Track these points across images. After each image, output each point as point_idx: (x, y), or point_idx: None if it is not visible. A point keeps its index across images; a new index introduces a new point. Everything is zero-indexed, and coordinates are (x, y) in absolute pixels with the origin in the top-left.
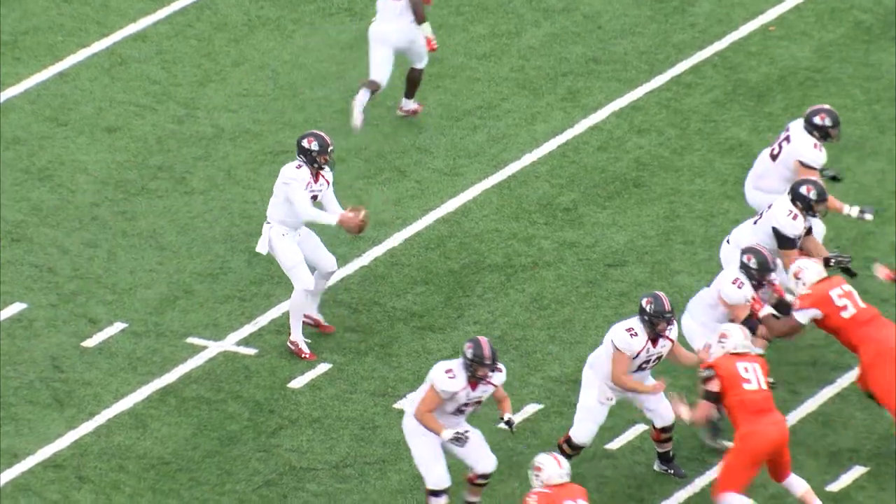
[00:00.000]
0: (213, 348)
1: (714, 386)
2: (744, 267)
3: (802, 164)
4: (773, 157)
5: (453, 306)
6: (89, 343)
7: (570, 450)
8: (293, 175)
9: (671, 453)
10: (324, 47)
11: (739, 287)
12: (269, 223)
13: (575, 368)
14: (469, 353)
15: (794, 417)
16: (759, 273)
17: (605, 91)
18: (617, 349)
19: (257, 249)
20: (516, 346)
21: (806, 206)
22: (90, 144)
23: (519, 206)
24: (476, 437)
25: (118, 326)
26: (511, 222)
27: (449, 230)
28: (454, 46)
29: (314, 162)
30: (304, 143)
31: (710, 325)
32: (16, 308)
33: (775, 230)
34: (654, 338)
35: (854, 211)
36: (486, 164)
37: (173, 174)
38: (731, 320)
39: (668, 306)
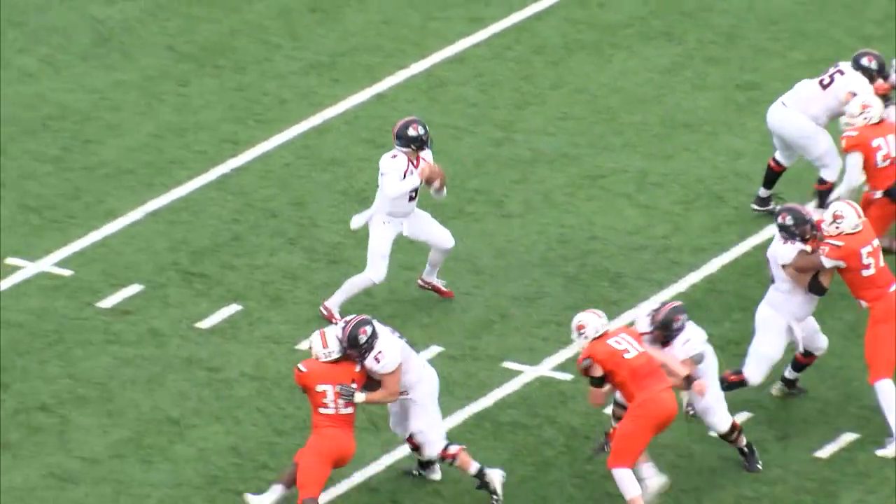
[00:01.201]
0: (529, 373)
1: (597, 371)
2: (783, 228)
3: (854, 95)
4: (824, 86)
5: None
6: None
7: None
8: (390, 165)
9: (744, 448)
10: (642, 71)
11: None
12: (375, 211)
13: None
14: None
15: None
16: (797, 227)
17: None
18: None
19: (351, 224)
20: (833, 375)
21: (870, 76)
22: None
23: None
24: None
25: (434, 350)
26: None
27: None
28: (771, 72)
29: (423, 145)
30: (411, 132)
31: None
32: None
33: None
34: (664, 339)
35: None
36: (804, 189)
37: (490, 197)
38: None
39: (676, 323)
